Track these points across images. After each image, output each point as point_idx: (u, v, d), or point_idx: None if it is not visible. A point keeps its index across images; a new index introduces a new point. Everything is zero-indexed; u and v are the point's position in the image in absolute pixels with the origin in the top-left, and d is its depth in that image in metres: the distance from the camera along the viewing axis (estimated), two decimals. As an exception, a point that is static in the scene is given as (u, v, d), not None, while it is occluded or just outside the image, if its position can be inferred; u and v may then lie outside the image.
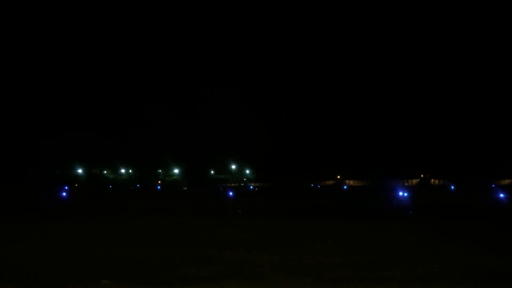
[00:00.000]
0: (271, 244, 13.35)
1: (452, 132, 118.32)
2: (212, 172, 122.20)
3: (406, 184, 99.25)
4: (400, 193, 41.58)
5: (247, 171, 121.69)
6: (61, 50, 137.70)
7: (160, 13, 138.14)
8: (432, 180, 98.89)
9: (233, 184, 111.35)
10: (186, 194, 54.24)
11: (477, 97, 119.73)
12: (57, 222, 19.43)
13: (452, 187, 61.95)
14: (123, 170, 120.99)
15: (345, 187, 77.97)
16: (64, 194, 45.33)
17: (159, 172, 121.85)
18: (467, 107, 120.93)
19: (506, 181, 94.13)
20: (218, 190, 74.53)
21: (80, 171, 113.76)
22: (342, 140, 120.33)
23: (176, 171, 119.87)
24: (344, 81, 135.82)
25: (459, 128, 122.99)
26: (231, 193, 48.82)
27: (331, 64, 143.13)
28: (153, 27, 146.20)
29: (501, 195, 40.88)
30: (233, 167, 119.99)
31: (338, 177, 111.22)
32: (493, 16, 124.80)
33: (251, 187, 65.93)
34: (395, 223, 19.26)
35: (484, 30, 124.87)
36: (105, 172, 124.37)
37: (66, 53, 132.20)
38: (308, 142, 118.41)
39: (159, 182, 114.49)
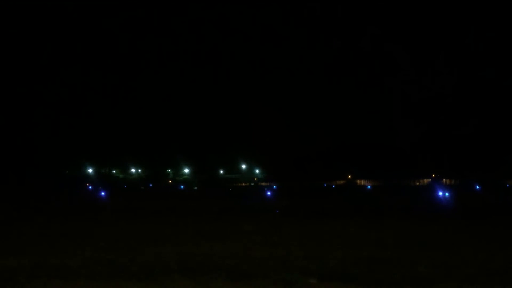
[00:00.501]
0: (418, 243, 13.52)
1: (459, 131, 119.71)
2: (222, 171, 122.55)
3: (418, 183, 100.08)
4: (440, 193, 41.62)
5: (257, 171, 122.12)
6: (66, 50, 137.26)
7: (170, 15, 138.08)
8: (444, 179, 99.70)
9: (243, 184, 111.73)
10: (211, 194, 54.06)
11: (481, 98, 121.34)
12: (178, 223, 19.44)
13: (477, 187, 62.37)
14: (133, 170, 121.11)
15: (368, 187, 78.33)
16: (102, 194, 45.25)
17: (169, 172, 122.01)
18: (473, 107, 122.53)
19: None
20: (232, 189, 74.65)
21: (90, 170, 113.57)
22: (351, 139, 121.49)
23: (186, 170, 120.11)
24: (350, 80, 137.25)
25: (465, 127, 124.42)
26: (266, 193, 48.95)
27: (339, 63, 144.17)
28: (158, 27, 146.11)
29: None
30: (243, 166, 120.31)
31: (349, 176, 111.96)
32: (495, 16, 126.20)
33: (275, 186, 66.17)
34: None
35: (487, 30, 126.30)
36: (113, 171, 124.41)
37: (71, 53, 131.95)
38: (315, 141, 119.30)
39: (170, 181, 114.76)
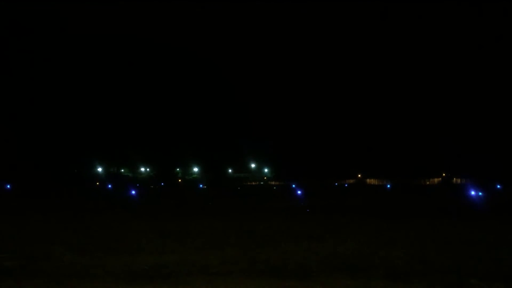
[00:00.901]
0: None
1: (466, 131, 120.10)
2: (230, 170, 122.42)
3: (428, 183, 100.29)
4: (473, 193, 41.65)
5: (266, 170, 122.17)
6: (71, 48, 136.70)
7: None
8: (454, 179, 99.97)
9: (253, 183, 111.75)
10: (233, 193, 53.84)
11: (489, 97, 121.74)
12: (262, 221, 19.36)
13: (498, 186, 62.58)
14: (142, 169, 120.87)
15: (388, 186, 78.31)
16: (133, 192, 45.18)
17: (178, 171, 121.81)
18: (479, 107, 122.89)
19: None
20: (248, 188, 74.55)
21: (99, 169, 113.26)
22: (361, 138, 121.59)
23: (195, 169, 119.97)
24: (363, 79, 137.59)
25: (473, 126, 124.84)
26: (295, 193, 48.99)
27: (351, 63, 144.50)
28: (161, 28, 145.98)
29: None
30: (252, 165, 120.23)
31: (359, 176, 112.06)
32: (494, 16, 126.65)
33: (294, 185, 66.29)
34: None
35: (487, 31, 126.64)
36: (122, 170, 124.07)
37: (74, 51, 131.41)
38: (325, 140, 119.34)
39: (180, 180, 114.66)
